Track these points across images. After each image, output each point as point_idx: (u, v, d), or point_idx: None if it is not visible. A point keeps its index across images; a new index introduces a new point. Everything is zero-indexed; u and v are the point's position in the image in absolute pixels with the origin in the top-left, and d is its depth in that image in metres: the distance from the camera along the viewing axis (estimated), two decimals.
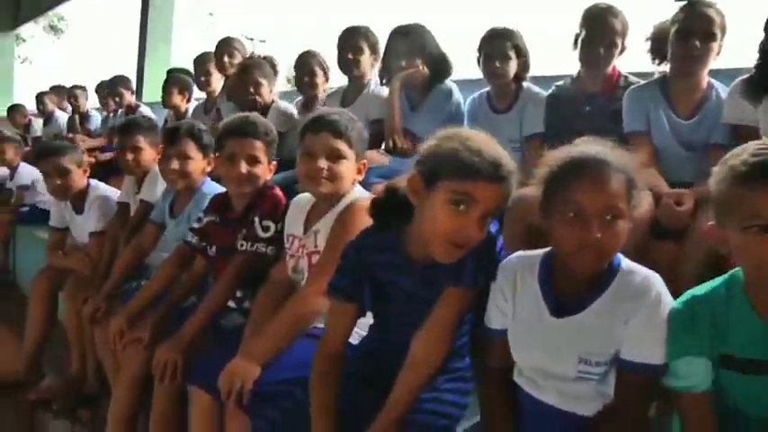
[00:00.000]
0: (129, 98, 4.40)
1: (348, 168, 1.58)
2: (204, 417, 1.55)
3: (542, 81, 2.40)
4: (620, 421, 1.11)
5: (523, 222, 1.60)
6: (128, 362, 1.83)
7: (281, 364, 1.45)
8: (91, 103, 5.46)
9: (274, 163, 1.89)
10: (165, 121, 4.13)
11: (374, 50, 2.61)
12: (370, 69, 2.64)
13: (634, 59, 2.24)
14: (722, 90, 1.92)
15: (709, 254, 1.53)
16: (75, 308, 2.41)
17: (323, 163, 1.54)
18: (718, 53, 1.89)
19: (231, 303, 1.83)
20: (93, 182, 2.65)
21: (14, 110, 6.19)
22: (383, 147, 2.44)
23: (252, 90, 2.79)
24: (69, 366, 2.53)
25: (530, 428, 1.21)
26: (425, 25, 2.39)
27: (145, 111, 4.34)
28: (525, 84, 2.32)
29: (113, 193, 2.66)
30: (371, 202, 1.36)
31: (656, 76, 2.04)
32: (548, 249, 1.21)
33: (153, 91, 5.54)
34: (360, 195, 1.61)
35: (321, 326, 1.50)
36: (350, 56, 2.58)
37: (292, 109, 2.89)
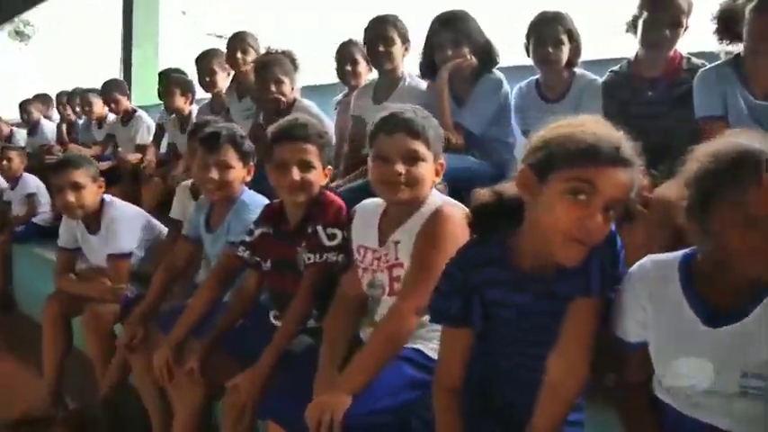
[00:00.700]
0: (126, 103, 4.16)
1: (427, 171, 1.44)
2: None
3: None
4: None
5: (667, 225, 1.46)
6: (183, 398, 1.67)
7: (372, 392, 1.31)
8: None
9: (330, 168, 1.73)
10: (159, 126, 3.92)
11: (405, 40, 2.43)
12: (402, 61, 2.47)
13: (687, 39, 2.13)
14: None
15: None
16: (99, 338, 2.22)
17: (400, 167, 1.40)
18: None
19: None
20: (108, 198, 2.42)
21: None
22: None
23: (273, 88, 2.61)
24: (89, 393, 2.34)
25: None
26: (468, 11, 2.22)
27: (143, 115, 4.12)
28: (578, 70, 2.18)
29: (131, 210, 2.45)
30: (473, 211, 1.23)
31: (724, 56, 1.92)
32: (683, 252, 1.09)
33: (141, 94, 5.32)
34: (441, 200, 1.47)
35: (410, 346, 1.38)
36: (381, 48, 2.39)
37: (316, 108, 2.71)
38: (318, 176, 1.67)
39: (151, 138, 3.97)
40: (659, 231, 1.54)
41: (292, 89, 2.66)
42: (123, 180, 3.70)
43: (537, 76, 2.26)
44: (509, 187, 1.19)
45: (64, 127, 5.14)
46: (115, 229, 2.30)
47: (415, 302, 1.32)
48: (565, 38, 2.11)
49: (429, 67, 2.29)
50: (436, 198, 1.47)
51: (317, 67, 3.60)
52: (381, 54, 2.40)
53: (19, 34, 18.19)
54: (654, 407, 1.12)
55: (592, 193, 1.00)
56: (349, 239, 1.61)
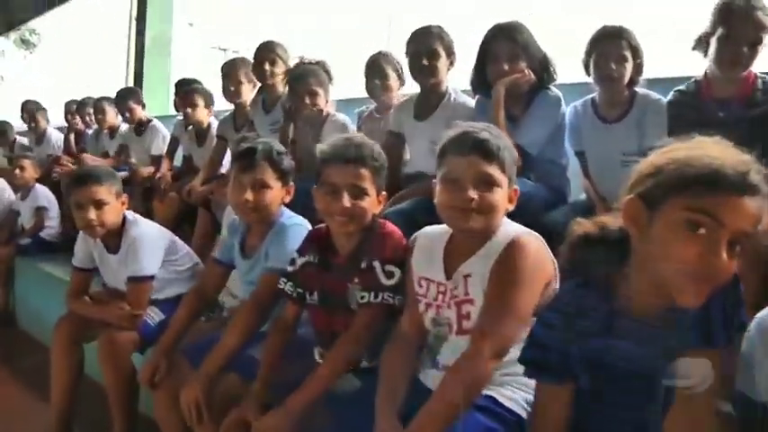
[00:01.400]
0: (140, 112, 4.00)
1: (501, 198, 1.29)
2: None
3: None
4: None
5: (758, 268, 1.31)
6: None
7: None
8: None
9: (384, 194, 1.56)
10: (173, 138, 3.76)
11: (450, 53, 2.27)
12: (446, 75, 2.31)
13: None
14: None
15: None
16: (115, 368, 2.04)
17: (473, 193, 1.26)
18: None
19: None
20: (131, 215, 2.23)
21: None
22: None
23: (308, 100, 2.45)
24: (102, 426, 2.15)
25: None
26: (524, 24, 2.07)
27: (158, 125, 3.97)
28: (640, 89, 2.03)
29: (155, 229, 2.26)
30: (572, 245, 1.08)
31: None
32: None
33: (154, 104, 5.17)
34: (515, 229, 1.31)
35: (485, 393, 1.23)
36: (425, 61, 2.24)
37: (350, 123, 2.56)
38: (372, 204, 1.51)
39: (165, 149, 3.81)
40: (750, 275, 1.37)
41: (327, 102, 2.51)
42: (134, 194, 3.53)
43: (593, 95, 2.11)
44: (609, 219, 1.07)
45: (72, 137, 4.98)
46: (137, 250, 2.12)
47: (496, 345, 1.19)
48: (628, 54, 1.97)
49: (481, 82, 2.13)
50: (508, 226, 1.32)
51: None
52: (425, 68, 2.24)
53: (24, 42, 18.14)
54: None
55: (715, 227, 0.87)
56: (405, 274, 1.45)
